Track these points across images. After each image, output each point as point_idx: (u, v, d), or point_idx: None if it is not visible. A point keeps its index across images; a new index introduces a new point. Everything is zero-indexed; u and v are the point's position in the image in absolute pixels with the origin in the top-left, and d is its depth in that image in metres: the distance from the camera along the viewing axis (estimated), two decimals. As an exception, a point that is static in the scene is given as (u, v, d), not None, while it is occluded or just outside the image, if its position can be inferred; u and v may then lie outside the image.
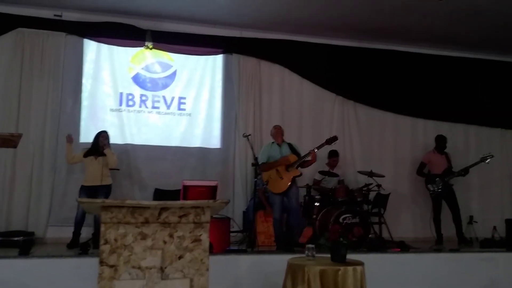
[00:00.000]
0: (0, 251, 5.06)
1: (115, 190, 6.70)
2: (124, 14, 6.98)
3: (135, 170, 7.02)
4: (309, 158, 5.71)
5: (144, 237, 2.86)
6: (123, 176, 6.89)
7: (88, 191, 5.89)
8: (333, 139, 5.88)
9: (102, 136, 6.10)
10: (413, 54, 8.19)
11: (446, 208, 7.07)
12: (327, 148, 7.17)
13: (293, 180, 5.71)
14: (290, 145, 5.91)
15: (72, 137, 6.16)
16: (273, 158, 5.81)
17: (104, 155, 6.01)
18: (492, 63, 8.48)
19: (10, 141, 4.53)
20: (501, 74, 8.48)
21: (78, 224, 5.91)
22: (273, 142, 5.97)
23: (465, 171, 7.03)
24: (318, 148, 5.80)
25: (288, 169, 5.68)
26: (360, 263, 3.62)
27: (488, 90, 8.36)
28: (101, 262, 2.78)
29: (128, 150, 7.04)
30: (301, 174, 5.83)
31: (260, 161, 5.86)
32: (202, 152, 7.34)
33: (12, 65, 6.68)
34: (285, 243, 5.59)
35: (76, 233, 5.89)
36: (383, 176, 6.97)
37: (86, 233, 6.07)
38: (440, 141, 7.33)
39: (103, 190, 5.98)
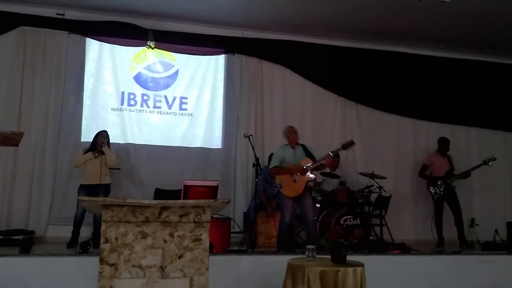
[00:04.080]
0: (0, 250, 5.06)
1: (116, 190, 6.70)
2: (126, 14, 6.98)
3: (136, 169, 7.01)
4: (323, 162, 5.64)
5: (144, 236, 2.86)
6: (124, 175, 6.89)
7: (88, 190, 5.86)
8: (349, 144, 5.71)
9: (101, 135, 6.08)
10: (416, 55, 8.18)
11: (448, 210, 7.05)
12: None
13: (307, 186, 5.63)
14: (304, 147, 5.78)
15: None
16: (286, 162, 5.68)
17: (103, 153, 6.00)
18: (494, 65, 8.46)
19: (11, 139, 4.52)
20: (503, 76, 8.45)
21: (77, 223, 5.88)
22: (286, 144, 5.82)
23: (466, 174, 7.03)
24: (333, 153, 5.74)
25: (302, 173, 5.61)
26: (360, 264, 3.62)
27: (491, 92, 8.34)
28: (102, 261, 2.78)
29: (129, 149, 7.04)
30: (315, 179, 5.78)
31: (272, 164, 5.76)
32: (203, 152, 7.33)
33: (14, 64, 6.67)
34: (286, 243, 5.57)
35: (75, 232, 5.87)
36: (385, 178, 6.95)
37: (85, 232, 6.06)
38: (443, 143, 7.31)
39: (103, 189, 5.96)
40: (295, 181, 5.57)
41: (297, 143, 5.81)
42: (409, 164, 7.96)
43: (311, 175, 5.65)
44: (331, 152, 5.69)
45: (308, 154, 5.74)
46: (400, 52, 8.11)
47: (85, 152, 6.04)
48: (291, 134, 5.81)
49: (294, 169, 5.60)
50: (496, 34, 7.42)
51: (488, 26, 7.11)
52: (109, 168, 6.19)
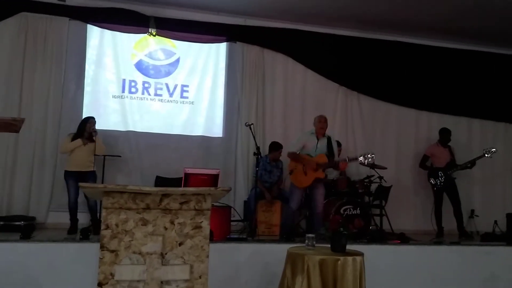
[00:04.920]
0: (1, 235, 5.08)
1: (116, 176, 6.74)
2: (128, 0, 6.94)
3: (137, 157, 7.01)
4: (338, 164, 5.68)
5: (145, 223, 2.86)
6: (124, 162, 6.89)
7: (76, 176, 5.82)
8: (369, 158, 5.74)
9: (90, 122, 6.02)
10: (418, 45, 8.13)
11: (448, 201, 7.06)
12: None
13: (316, 180, 5.65)
14: (328, 140, 5.79)
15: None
16: (306, 150, 5.73)
17: (92, 141, 5.95)
18: (497, 56, 8.41)
19: (12, 125, 4.51)
20: (506, 67, 8.40)
21: (73, 210, 5.90)
22: (312, 133, 5.84)
23: (471, 163, 7.00)
24: (350, 160, 5.78)
25: (314, 168, 5.62)
26: (360, 254, 3.63)
27: (493, 83, 8.30)
28: (102, 247, 2.79)
29: (130, 137, 7.03)
30: (325, 177, 5.78)
31: (291, 148, 5.82)
32: (204, 141, 7.33)
33: (15, 50, 6.64)
34: (288, 230, 5.60)
35: (73, 219, 5.90)
36: (385, 168, 6.95)
37: (85, 219, 6.10)
38: (444, 134, 7.30)
39: (92, 176, 5.97)
40: (305, 173, 5.60)
41: (323, 135, 5.81)
42: (409, 155, 7.97)
43: (322, 173, 5.66)
44: (348, 159, 5.73)
45: (330, 149, 5.73)
46: (402, 42, 8.07)
47: (72, 138, 5.98)
48: (320, 124, 5.81)
49: (308, 163, 5.61)
50: (499, 25, 7.37)
51: (490, 16, 7.06)
52: (111, 156, 6.18)
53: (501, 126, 8.44)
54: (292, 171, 5.69)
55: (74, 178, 5.82)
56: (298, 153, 5.75)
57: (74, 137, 5.98)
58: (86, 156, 5.94)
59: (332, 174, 6.96)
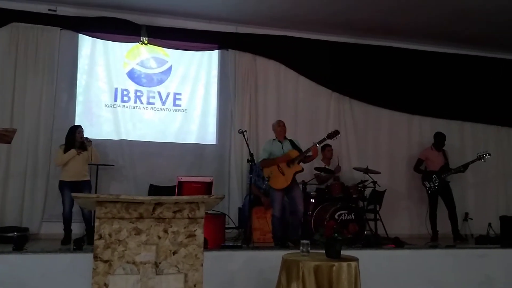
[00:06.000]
0: (-6, 247, 5.03)
1: (110, 186, 6.70)
2: (119, 9, 6.94)
3: (130, 166, 6.98)
4: (310, 153, 5.73)
5: (138, 232, 2.85)
6: (118, 172, 6.87)
7: (72, 186, 5.77)
8: (334, 134, 5.86)
9: (79, 131, 5.97)
10: (410, 50, 8.18)
11: (442, 204, 7.08)
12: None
13: (295, 177, 5.73)
14: (291, 142, 5.93)
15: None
16: (274, 155, 5.84)
17: (84, 149, 5.91)
18: (488, 60, 8.48)
19: (4, 136, 4.49)
20: (497, 71, 8.48)
21: (68, 220, 5.83)
22: (274, 139, 5.99)
23: (464, 167, 7.05)
24: (319, 143, 5.79)
25: (290, 164, 5.71)
26: (355, 259, 3.63)
27: (484, 87, 8.37)
28: (96, 257, 2.77)
29: (123, 146, 7.01)
30: (302, 170, 5.86)
31: (261, 157, 5.92)
32: (197, 148, 7.32)
33: (7, 60, 6.62)
34: (281, 239, 5.59)
35: (67, 229, 5.84)
36: (379, 173, 6.97)
37: (79, 229, 6.06)
38: (439, 138, 7.34)
39: (87, 186, 5.94)
40: (283, 173, 5.66)
41: (285, 138, 5.95)
42: (403, 159, 8.00)
43: (298, 166, 5.73)
44: (317, 143, 5.74)
45: (295, 147, 5.85)
46: (394, 47, 8.12)
47: (65, 149, 5.91)
48: (279, 127, 5.98)
49: (282, 161, 5.73)
50: (490, 29, 7.43)
51: (481, 21, 7.13)
52: (105, 165, 6.15)
53: (493, 129, 8.50)
54: (269, 177, 5.70)
55: (70, 188, 5.76)
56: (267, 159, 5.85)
57: (66, 148, 5.94)
58: (81, 165, 5.92)
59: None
